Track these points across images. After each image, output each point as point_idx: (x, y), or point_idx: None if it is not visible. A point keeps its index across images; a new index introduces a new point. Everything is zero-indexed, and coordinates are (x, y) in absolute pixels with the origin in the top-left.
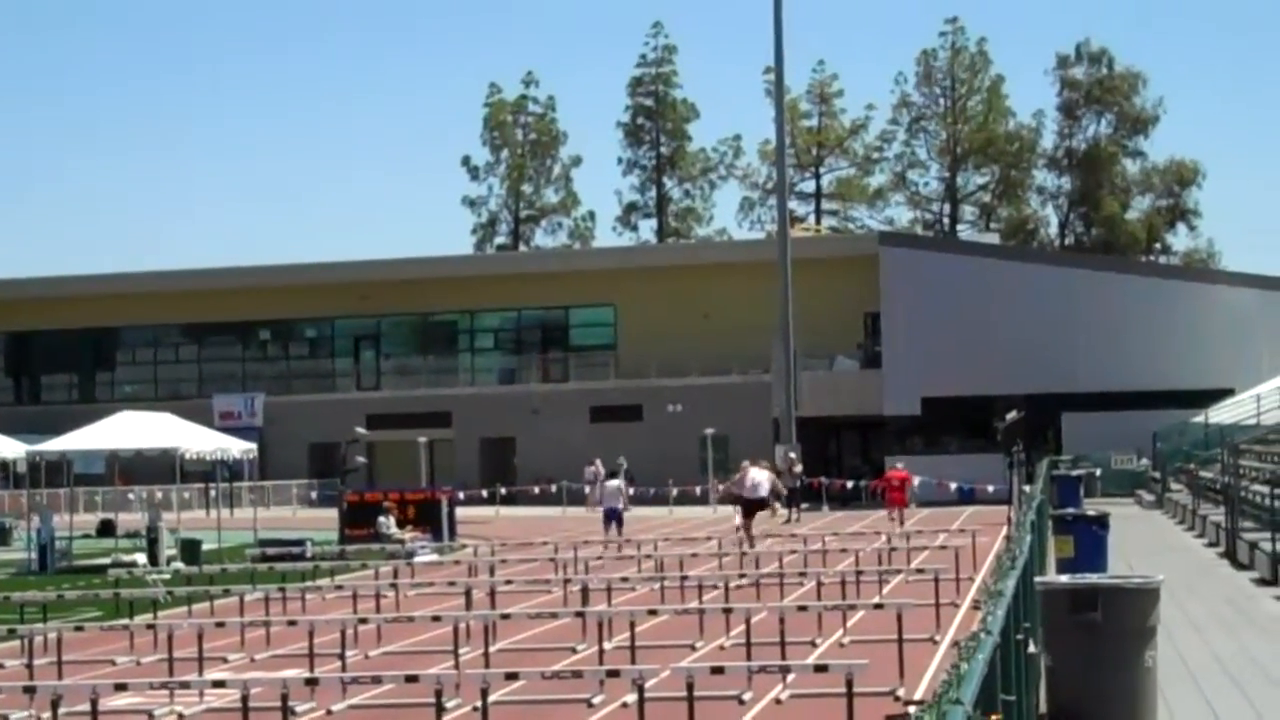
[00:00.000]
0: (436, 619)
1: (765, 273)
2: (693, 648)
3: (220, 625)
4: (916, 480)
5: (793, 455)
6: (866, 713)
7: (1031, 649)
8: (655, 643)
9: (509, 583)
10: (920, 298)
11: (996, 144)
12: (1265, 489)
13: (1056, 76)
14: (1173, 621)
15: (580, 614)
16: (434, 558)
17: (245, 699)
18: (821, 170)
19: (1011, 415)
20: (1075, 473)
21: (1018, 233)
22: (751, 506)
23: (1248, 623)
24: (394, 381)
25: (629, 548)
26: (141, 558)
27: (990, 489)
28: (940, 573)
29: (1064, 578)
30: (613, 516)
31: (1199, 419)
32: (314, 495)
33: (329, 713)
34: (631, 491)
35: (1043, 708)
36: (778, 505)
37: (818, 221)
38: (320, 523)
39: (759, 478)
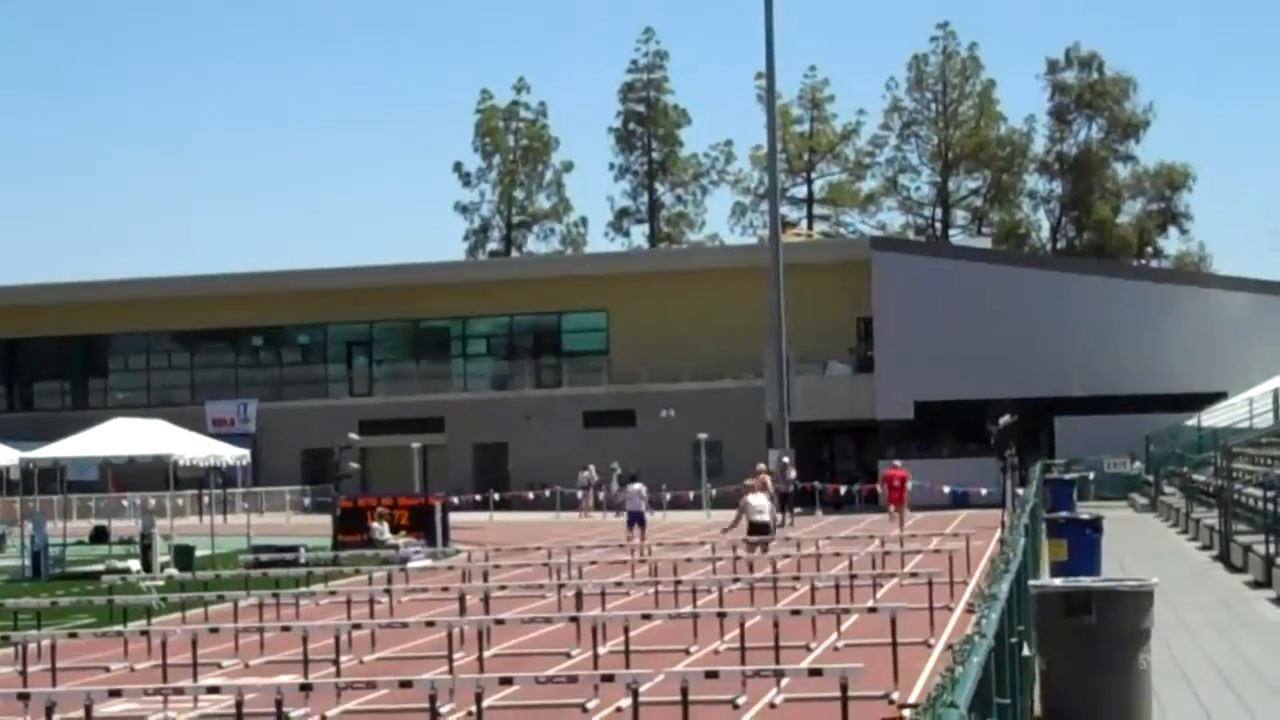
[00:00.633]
0: (430, 624)
1: (757, 278)
2: (687, 652)
3: (214, 631)
4: (910, 483)
5: (786, 460)
6: (861, 717)
7: (1026, 652)
8: (649, 647)
9: (503, 588)
10: (912, 302)
11: (988, 149)
12: (1258, 492)
13: (1047, 81)
14: (1166, 624)
15: (574, 619)
16: (428, 563)
17: (239, 705)
18: (813, 175)
19: (1004, 419)
20: (1068, 476)
21: (1009, 237)
22: (754, 528)
23: (1241, 626)
24: (387, 387)
25: (623, 552)
26: (135, 564)
27: (984, 493)
28: (934, 576)
29: (1058, 581)
30: (636, 519)
31: (1192, 422)
32: (307, 501)
33: (323, 718)
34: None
35: (1037, 711)
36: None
37: (809, 226)
38: (314, 529)
39: (756, 503)
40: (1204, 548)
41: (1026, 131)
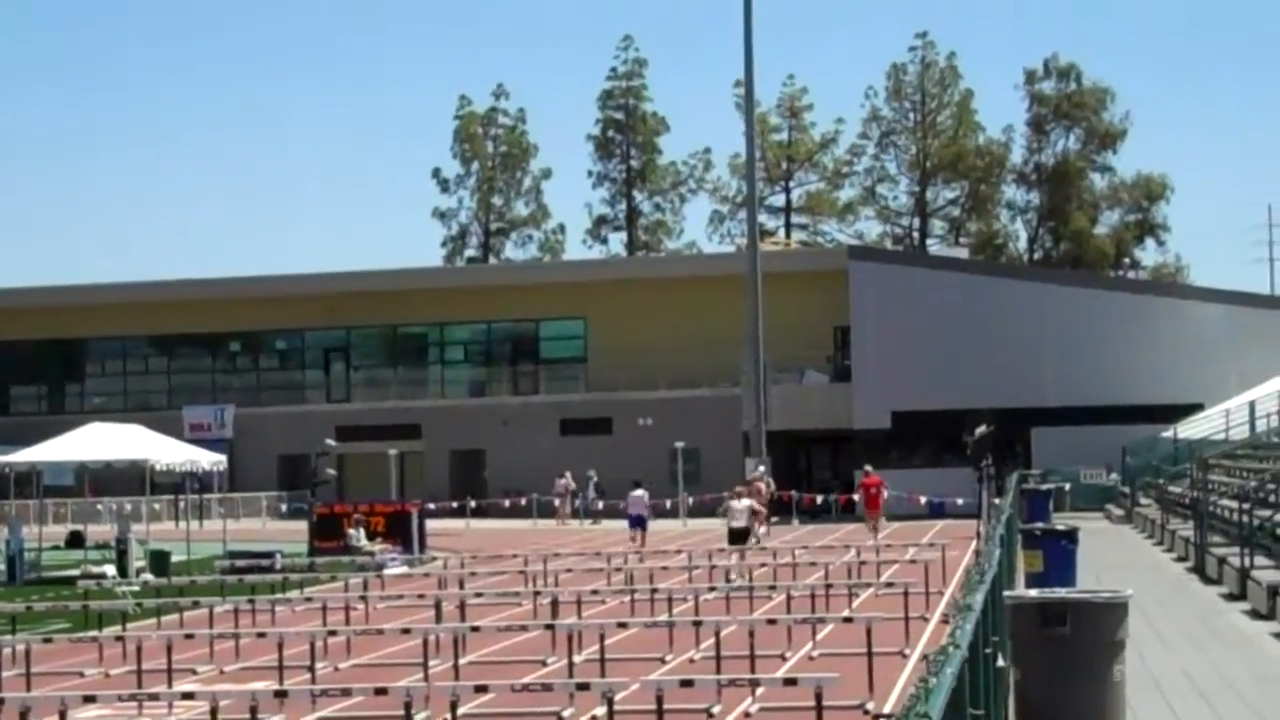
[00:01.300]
0: (406, 631)
1: (735, 286)
2: (662, 660)
3: (189, 637)
4: (886, 493)
5: (761, 469)
6: None
7: (1000, 663)
8: (625, 655)
9: (479, 595)
10: (890, 312)
11: (966, 158)
12: (1234, 504)
13: (1025, 91)
14: (1141, 636)
15: (550, 627)
16: (404, 570)
17: (214, 711)
18: (791, 184)
19: (981, 429)
20: (1044, 487)
21: (987, 247)
22: (732, 535)
23: (1216, 638)
24: (364, 393)
25: (599, 560)
26: (111, 569)
27: (960, 503)
28: (910, 586)
29: (1033, 592)
30: (638, 523)
31: (1168, 434)
32: (284, 507)
33: None
34: (601, 505)
35: None
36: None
37: (787, 235)
38: (290, 535)
39: (737, 507)
40: (1179, 559)
41: (1004, 142)
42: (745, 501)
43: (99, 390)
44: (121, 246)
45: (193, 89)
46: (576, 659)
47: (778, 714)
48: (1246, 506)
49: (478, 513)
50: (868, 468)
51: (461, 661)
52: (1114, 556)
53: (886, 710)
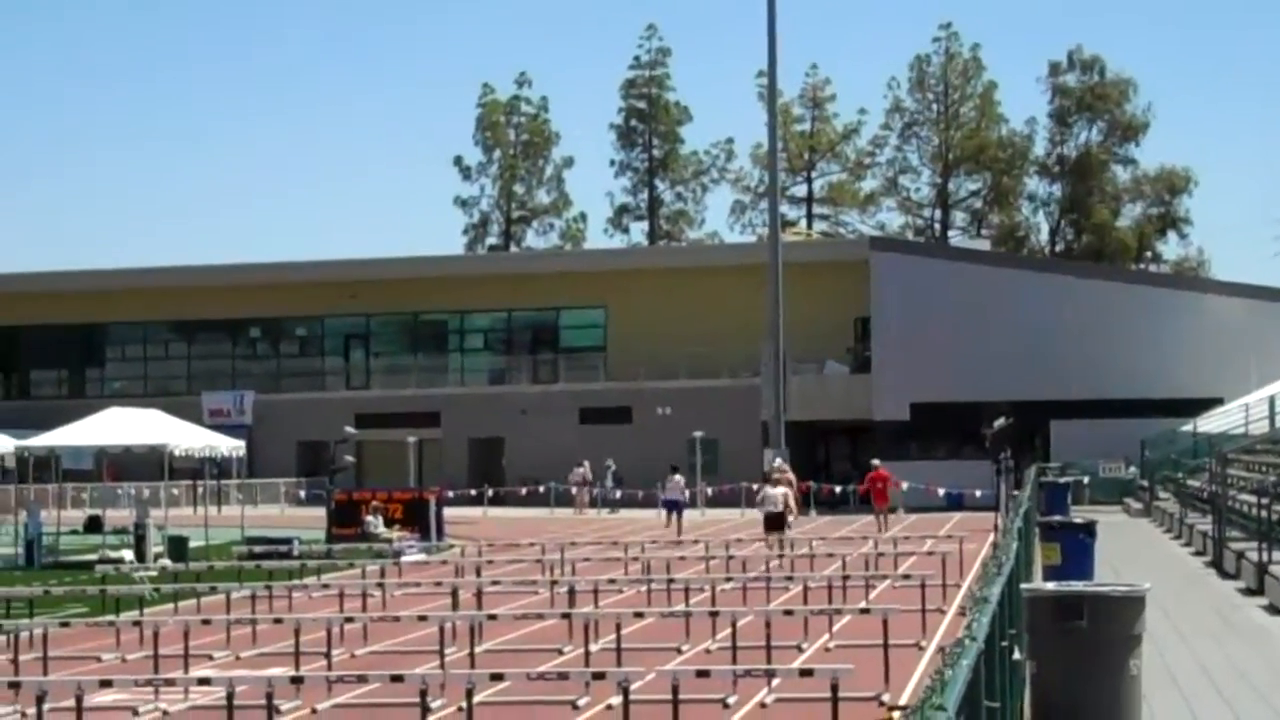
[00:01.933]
0: (423, 619)
1: (756, 276)
2: (678, 650)
3: (206, 623)
4: (904, 485)
5: (780, 460)
6: (851, 718)
7: (1016, 656)
8: (641, 645)
9: (496, 583)
10: (910, 303)
11: (988, 150)
12: (1252, 498)
13: (1048, 83)
14: (1158, 630)
15: (566, 615)
16: (421, 557)
17: (230, 697)
18: (813, 174)
19: (1000, 422)
20: (1063, 480)
21: (1008, 239)
22: (768, 520)
23: (1233, 632)
24: (383, 381)
25: (616, 549)
26: (128, 554)
27: (978, 495)
28: (927, 578)
29: (1050, 585)
30: (674, 507)
31: (1187, 428)
32: (302, 494)
33: (314, 711)
34: (619, 494)
35: (1027, 715)
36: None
37: (809, 226)
38: (308, 521)
39: (773, 493)
40: (1197, 553)
41: (1027, 134)
42: (781, 489)
43: (119, 375)
44: (143, 232)
45: (217, 76)
46: (592, 648)
47: (793, 705)
48: (1265, 501)
49: (496, 501)
50: (875, 461)
51: (477, 649)
52: (1132, 550)
53: (902, 702)
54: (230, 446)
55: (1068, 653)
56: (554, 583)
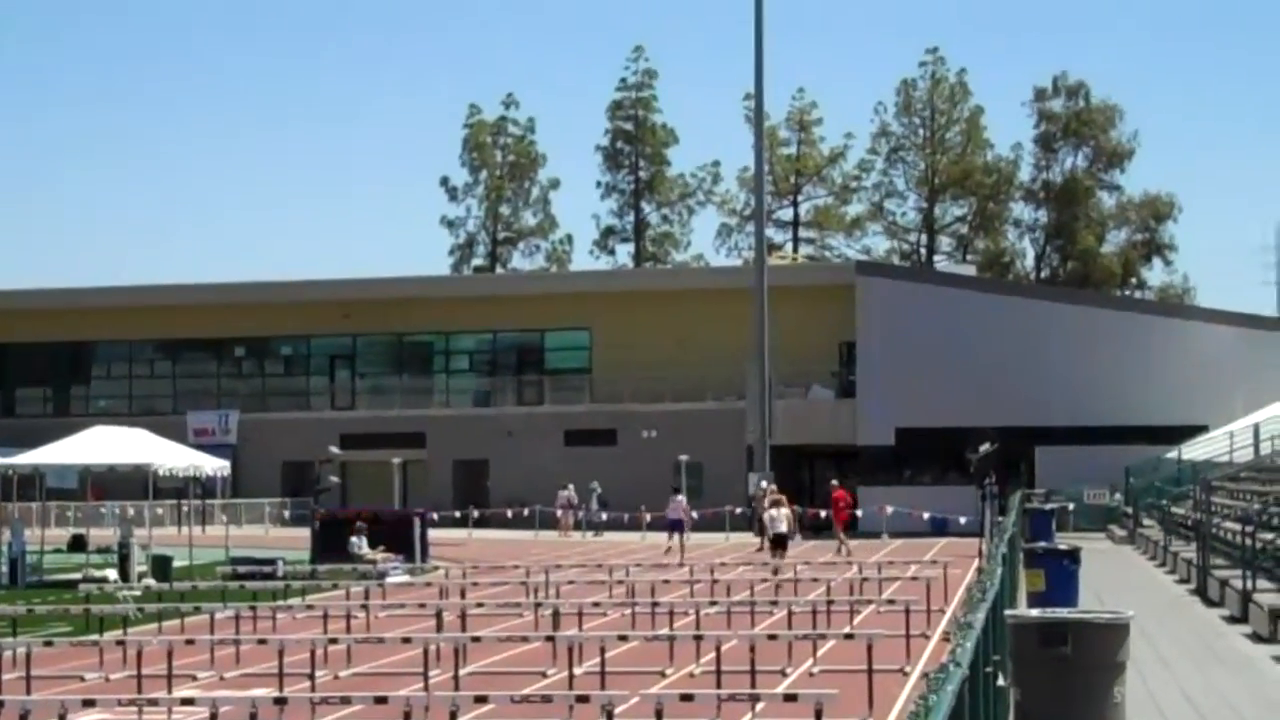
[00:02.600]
0: (407, 640)
1: (741, 300)
2: (663, 674)
3: (190, 643)
4: (889, 509)
5: (765, 483)
6: None
7: (1001, 682)
8: (625, 668)
9: (480, 605)
10: (896, 328)
11: (974, 175)
12: (1237, 526)
13: (1034, 109)
14: (1142, 657)
15: (551, 638)
16: (405, 579)
17: (214, 717)
18: (799, 198)
19: (985, 447)
20: (1048, 506)
21: (994, 265)
22: (775, 540)
23: (1216, 660)
24: (369, 401)
25: (601, 572)
26: (113, 573)
27: (962, 521)
28: (911, 604)
29: (1034, 611)
30: (676, 526)
31: (1172, 455)
32: (287, 514)
33: None
34: (604, 517)
35: None
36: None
37: (795, 249)
38: (292, 541)
39: (777, 514)
40: (1181, 581)
41: (1013, 159)
42: (784, 510)
43: (104, 394)
44: (129, 250)
45: (202, 94)
46: (577, 671)
47: None
48: (1249, 529)
49: (480, 523)
50: (834, 481)
51: (462, 671)
52: (1116, 577)
53: None
54: (215, 466)
55: (1052, 679)
56: (538, 605)
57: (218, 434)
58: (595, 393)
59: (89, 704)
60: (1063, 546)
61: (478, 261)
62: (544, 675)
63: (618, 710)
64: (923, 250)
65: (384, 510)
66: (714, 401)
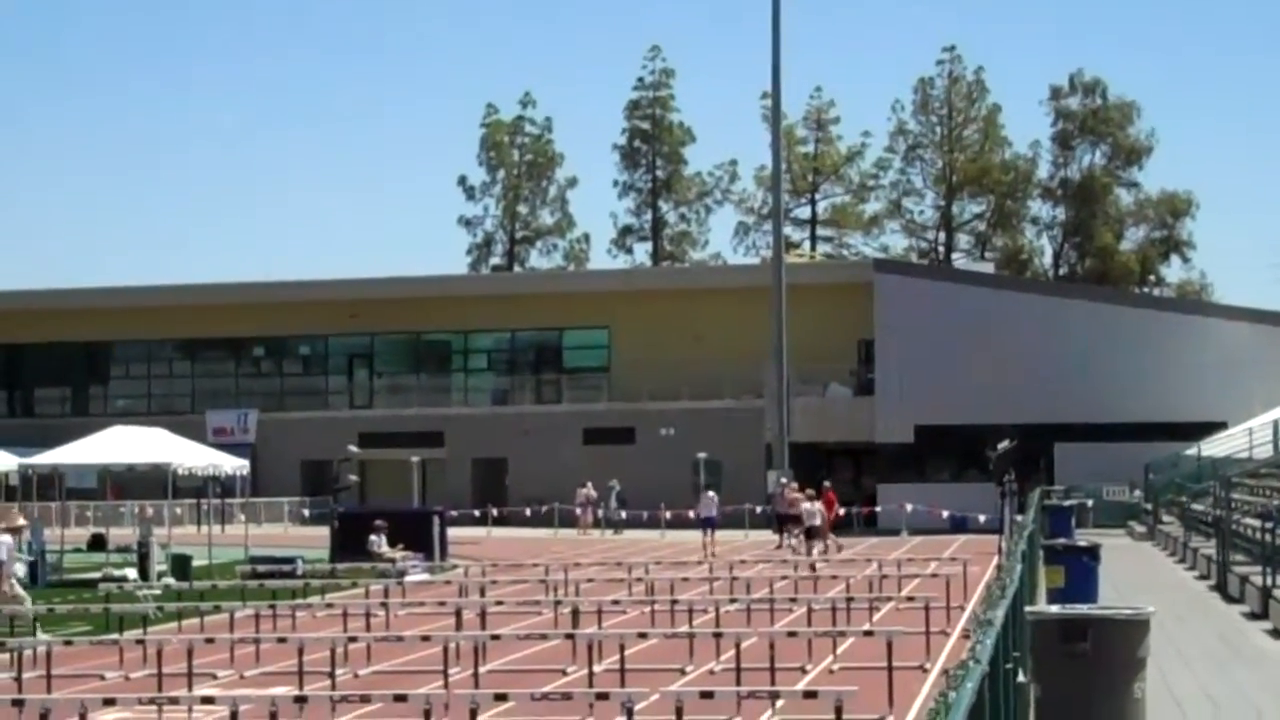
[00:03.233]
0: (426, 639)
1: (759, 298)
2: (682, 671)
3: (210, 641)
4: (909, 507)
5: (784, 480)
6: None
7: (1021, 679)
8: (645, 666)
9: (499, 603)
10: (914, 326)
11: (992, 173)
12: (1256, 523)
13: (1051, 106)
14: (1162, 654)
15: (570, 636)
16: (425, 577)
17: (234, 716)
18: (817, 196)
19: (1004, 445)
20: (1067, 503)
21: (1012, 262)
22: (809, 531)
23: (1237, 656)
24: (387, 400)
25: (620, 570)
26: (132, 573)
27: (982, 518)
28: (931, 601)
29: (1054, 608)
30: (709, 523)
31: (1191, 452)
32: (306, 513)
33: None
34: (623, 515)
35: None
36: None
37: (813, 248)
38: (312, 540)
39: (811, 508)
40: (1201, 577)
41: (1030, 157)
42: (819, 505)
43: (123, 393)
44: (147, 250)
45: (220, 94)
46: (596, 669)
47: None
48: (1269, 525)
49: (499, 521)
50: (826, 483)
51: (481, 669)
52: (1136, 574)
53: None
54: (234, 465)
55: (1072, 676)
56: (558, 603)
57: (236, 433)
58: (613, 391)
59: (109, 703)
60: (1082, 543)
61: (495, 260)
62: (564, 673)
63: (637, 708)
64: (941, 248)
65: (403, 509)
66: (732, 400)
